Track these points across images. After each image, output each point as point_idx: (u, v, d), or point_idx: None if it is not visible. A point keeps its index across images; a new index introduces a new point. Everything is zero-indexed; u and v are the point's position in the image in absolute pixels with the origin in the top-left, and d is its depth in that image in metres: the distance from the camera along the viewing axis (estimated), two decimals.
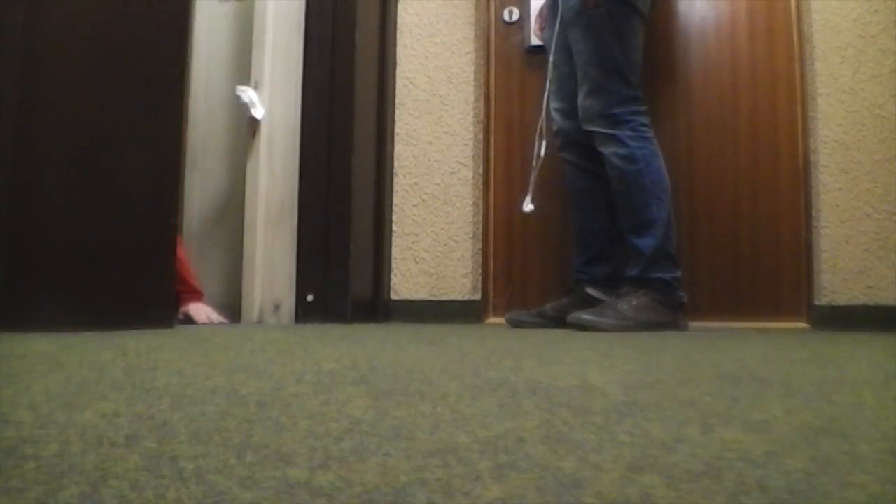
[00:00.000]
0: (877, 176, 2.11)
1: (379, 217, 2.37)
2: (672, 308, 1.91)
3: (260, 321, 2.14)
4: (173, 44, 1.62)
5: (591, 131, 1.97)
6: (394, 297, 2.40)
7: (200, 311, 1.99)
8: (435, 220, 2.41)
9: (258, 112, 2.14)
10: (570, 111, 2.05)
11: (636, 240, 1.92)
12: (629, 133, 1.93)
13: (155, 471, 0.34)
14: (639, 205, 1.92)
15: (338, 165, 2.20)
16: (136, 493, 0.30)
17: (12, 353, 0.87)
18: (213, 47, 2.32)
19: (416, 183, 2.44)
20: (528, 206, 2.02)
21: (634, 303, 1.86)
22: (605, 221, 2.07)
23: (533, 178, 2.02)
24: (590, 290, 2.04)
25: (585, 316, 1.82)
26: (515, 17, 2.44)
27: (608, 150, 1.94)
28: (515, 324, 2.10)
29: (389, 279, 2.41)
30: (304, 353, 0.98)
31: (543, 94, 2.08)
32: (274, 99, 2.20)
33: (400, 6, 2.52)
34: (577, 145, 2.05)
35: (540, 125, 2.01)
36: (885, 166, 2.11)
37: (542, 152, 1.99)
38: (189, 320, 1.94)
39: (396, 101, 2.48)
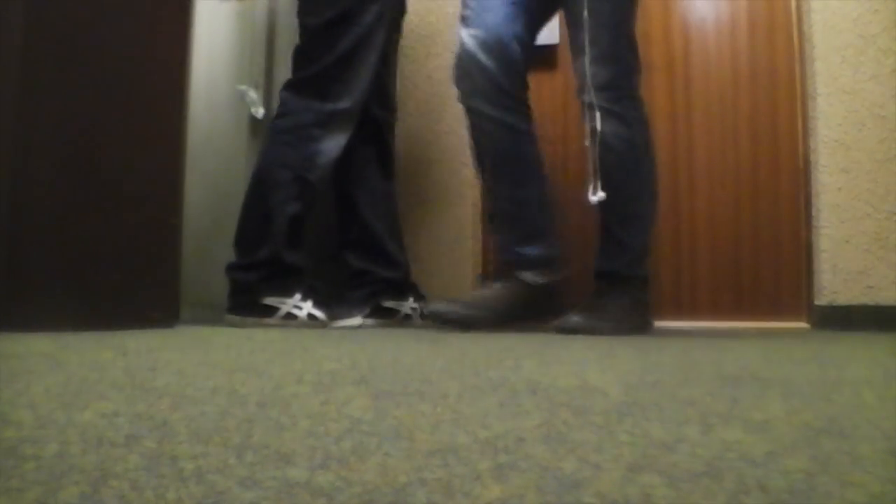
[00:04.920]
0: (877, 176, 2.11)
1: None
2: (647, 308, 1.77)
3: None
4: (173, 44, 1.62)
5: (589, 103, 1.69)
6: None
7: None
8: (435, 220, 2.41)
9: (258, 112, 2.14)
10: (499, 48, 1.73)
11: (621, 232, 1.72)
12: (633, 113, 1.72)
13: (155, 471, 0.34)
14: (630, 195, 1.73)
15: None
16: (136, 493, 0.30)
17: (12, 352, 0.87)
18: (213, 47, 2.32)
19: (416, 183, 2.44)
20: (597, 196, 1.65)
21: (621, 302, 1.70)
22: (539, 189, 1.77)
23: (593, 160, 1.67)
24: (524, 276, 1.71)
25: (575, 318, 1.63)
26: None
27: (607, 127, 1.67)
28: (444, 319, 1.69)
29: None
30: (304, 353, 0.98)
31: (578, 56, 1.71)
32: (274, 99, 2.19)
33: None
34: (508, 97, 1.72)
35: (586, 96, 1.69)
36: (885, 166, 2.11)
37: (599, 125, 1.66)
38: None
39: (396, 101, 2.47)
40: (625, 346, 1.21)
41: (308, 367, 0.78)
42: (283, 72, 2.21)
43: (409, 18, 2.51)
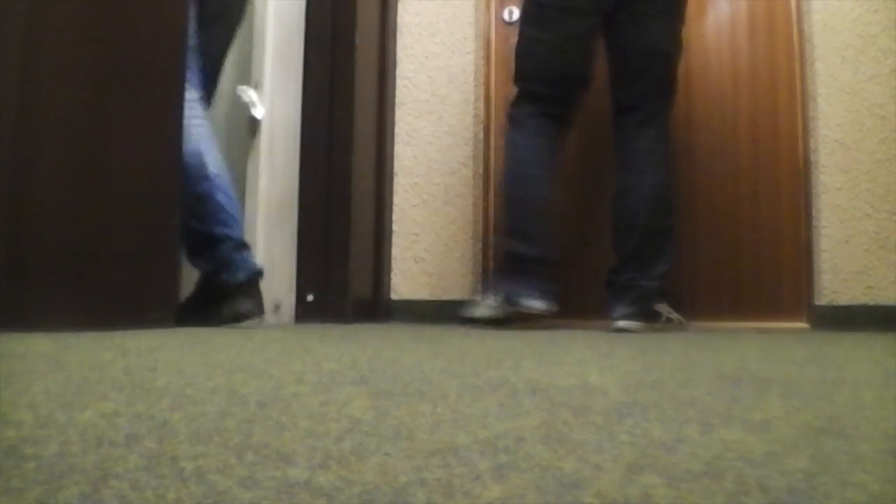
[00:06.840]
0: (877, 176, 2.11)
1: (379, 217, 2.37)
2: None
3: (260, 321, 2.14)
4: (173, 44, 1.62)
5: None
6: (394, 297, 2.40)
7: None
8: (435, 220, 2.41)
9: (258, 112, 2.14)
10: None
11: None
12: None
13: (155, 471, 0.34)
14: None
15: (338, 165, 2.20)
16: (136, 493, 0.30)
17: (12, 353, 0.87)
18: None
19: (416, 183, 2.44)
20: None
21: None
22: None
23: None
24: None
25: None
26: (515, 17, 2.43)
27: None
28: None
29: (389, 279, 2.41)
30: (304, 353, 0.98)
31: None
32: (274, 99, 2.19)
33: (400, 6, 2.52)
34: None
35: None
36: (885, 166, 2.11)
37: None
38: None
39: (396, 101, 2.47)
40: (625, 346, 1.21)
41: (308, 367, 0.78)
42: (283, 72, 2.21)
43: (408, 19, 2.52)
